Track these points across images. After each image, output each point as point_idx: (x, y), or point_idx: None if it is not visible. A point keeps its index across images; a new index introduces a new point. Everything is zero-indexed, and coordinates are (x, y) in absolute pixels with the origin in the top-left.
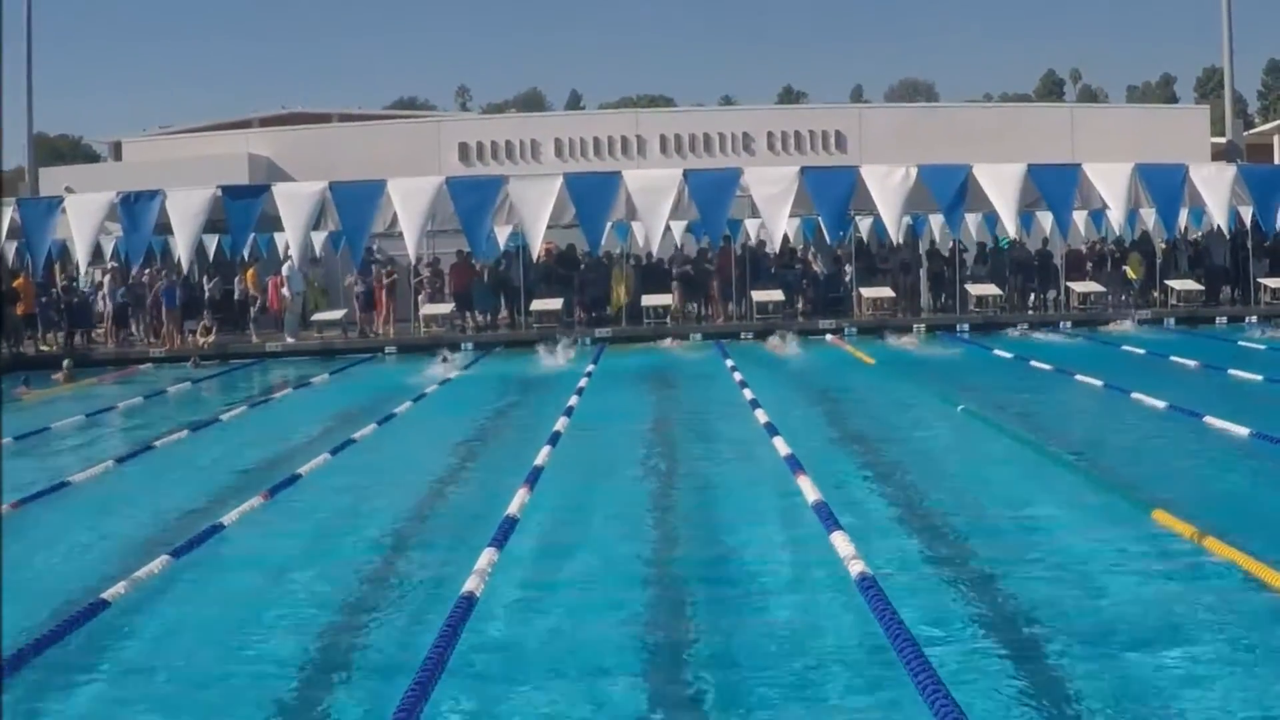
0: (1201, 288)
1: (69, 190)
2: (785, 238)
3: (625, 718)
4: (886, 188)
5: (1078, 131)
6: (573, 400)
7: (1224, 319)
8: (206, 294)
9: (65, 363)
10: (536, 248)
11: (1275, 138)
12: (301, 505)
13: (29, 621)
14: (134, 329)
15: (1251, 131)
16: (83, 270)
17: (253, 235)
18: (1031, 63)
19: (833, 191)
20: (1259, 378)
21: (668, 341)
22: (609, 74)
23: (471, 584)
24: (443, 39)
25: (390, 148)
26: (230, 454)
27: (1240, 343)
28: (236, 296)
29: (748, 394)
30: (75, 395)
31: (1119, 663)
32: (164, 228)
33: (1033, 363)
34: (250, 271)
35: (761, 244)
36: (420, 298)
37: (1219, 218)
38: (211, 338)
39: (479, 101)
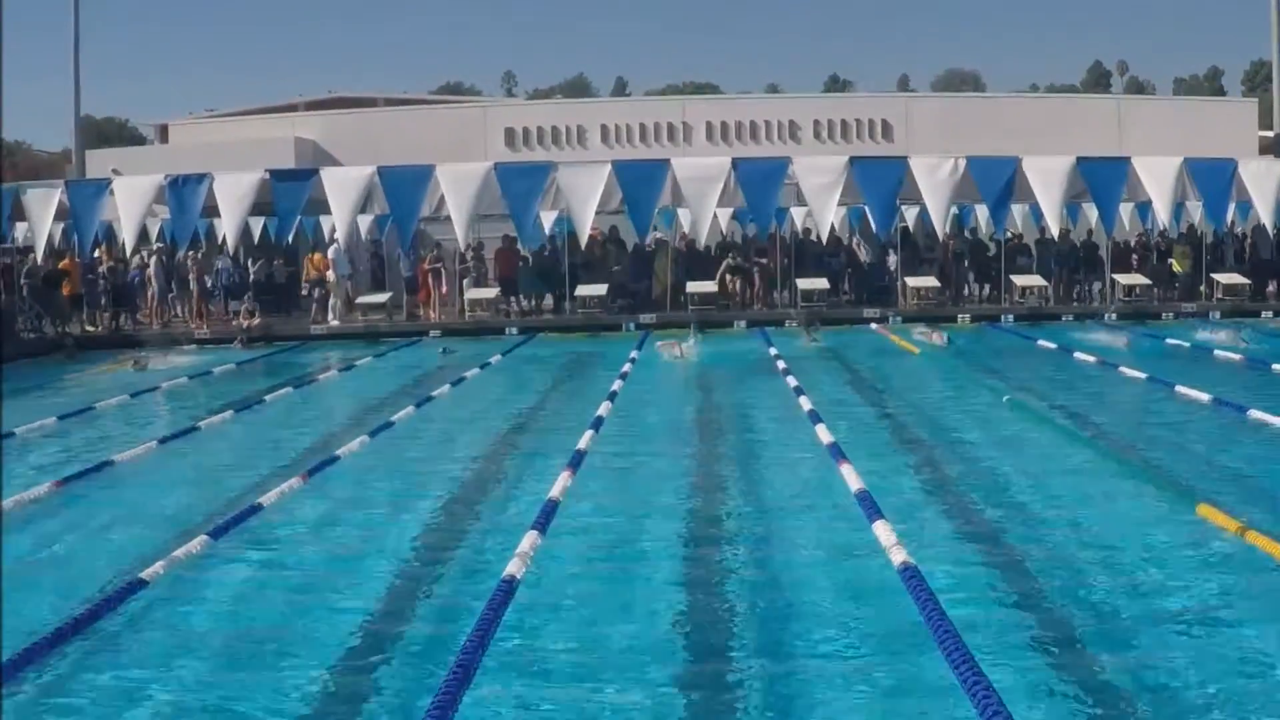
0: (1248, 282)
1: (115, 173)
2: (831, 227)
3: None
4: (935, 181)
5: (1125, 123)
6: (616, 384)
7: (1270, 313)
8: (252, 276)
9: (68, 341)
10: (584, 234)
11: None
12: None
13: (68, 601)
14: (178, 310)
15: None
16: (129, 252)
17: (299, 219)
18: (1078, 54)
19: (882, 183)
20: None
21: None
22: (655, 61)
23: (512, 567)
24: (489, 24)
25: (436, 132)
26: (269, 433)
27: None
28: (280, 280)
29: (791, 381)
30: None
31: (1160, 656)
32: (210, 210)
33: (1077, 355)
34: (317, 255)
35: (807, 232)
36: (465, 282)
37: (1265, 215)
38: (256, 320)
39: (525, 87)
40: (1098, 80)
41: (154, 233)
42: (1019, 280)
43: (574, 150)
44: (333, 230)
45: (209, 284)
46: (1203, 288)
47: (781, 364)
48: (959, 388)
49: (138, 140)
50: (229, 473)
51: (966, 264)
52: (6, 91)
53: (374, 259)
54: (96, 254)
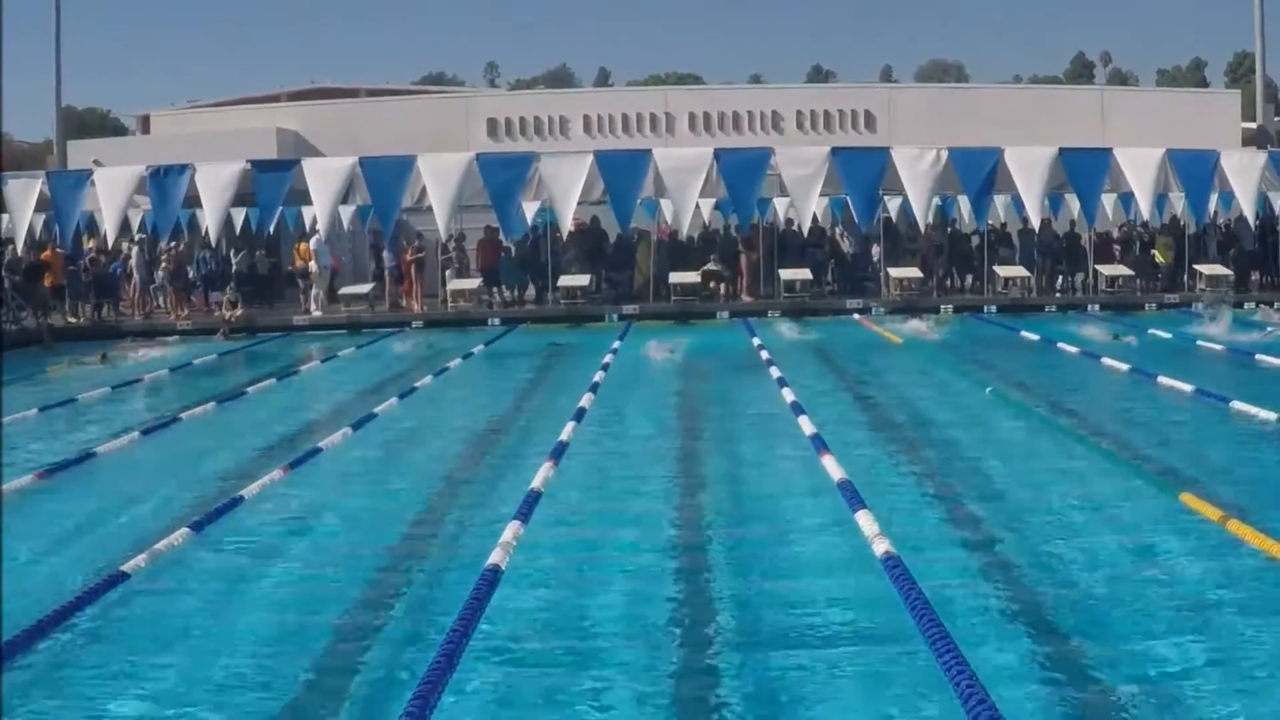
0: (1230, 273)
1: (97, 163)
2: (814, 217)
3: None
4: (917, 171)
5: (1108, 115)
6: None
7: (1251, 303)
8: (234, 267)
9: (46, 332)
10: (567, 225)
11: None
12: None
13: (49, 594)
14: (160, 301)
15: None
16: (110, 243)
17: (280, 209)
18: (1061, 45)
19: (863, 173)
20: None
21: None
22: (637, 52)
23: (496, 557)
24: (471, 15)
25: (418, 123)
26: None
27: (1269, 328)
28: (262, 271)
29: (775, 372)
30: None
31: (1143, 644)
32: (192, 201)
33: (1060, 345)
34: (303, 244)
35: (789, 223)
36: (447, 273)
37: (1246, 207)
38: (238, 311)
39: (507, 78)
40: (1080, 71)
41: (136, 224)
42: (1002, 271)
43: (556, 141)
44: (314, 221)
45: (190, 275)
46: (1185, 278)
47: (765, 354)
48: (941, 378)
49: (119, 131)
50: (210, 465)
51: (945, 257)
52: None
53: (373, 250)
54: (90, 245)
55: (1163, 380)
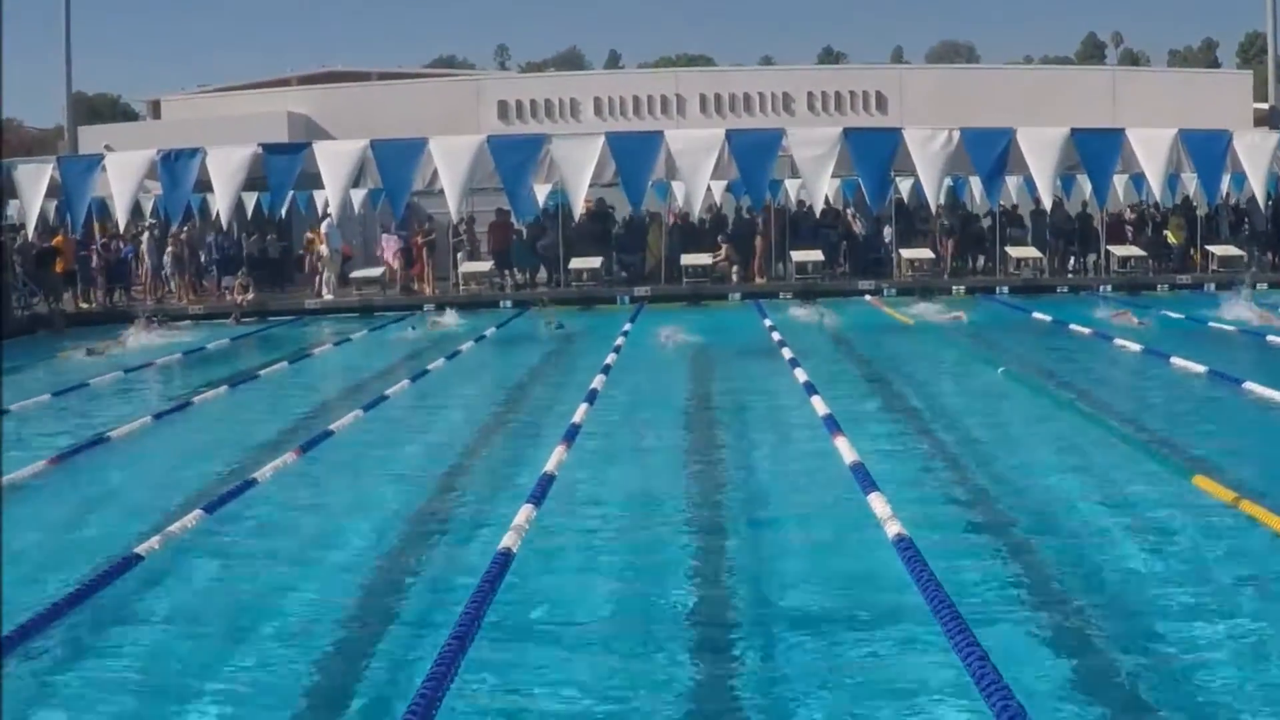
0: (1242, 253)
1: (108, 148)
2: (825, 199)
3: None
4: (928, 152)
5: (1119, 95)
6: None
7: (1264, 284)
8: (245, 251)
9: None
10: (578, 207)
11: None
12: None
13: (64, 577)
14: (171, 286)
15: None
16: (122, 227)
17: (291, 193)
18: (1072, 25)
19: (875, 155)
20: None
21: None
22: (648, 33)
23: (508, 540)
24: None
25: (429, 106)
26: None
27: None
28: (273, 254)
29: (786, 353)
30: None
31: (1157, 626)
32: (203, 185)
33: (1072, 326)
34: (320, 229)
35: (801, 204)
36: (459, 256)
37: (1258, 188)
38: (249, 295)
39: (518, 60)
40: (1092, 52)
41: (148, 208)
42: (1014, 252)
43: (567, 123)
44: (325, 205)
45: (202, 259)
46: (1196, 257)
47: (776, 335)
48: (953, 358)
49: (130, 116)
50: (224, 449)
51: (953, 239)
52: None
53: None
54: (110, 231)
55: (1176, 361)
